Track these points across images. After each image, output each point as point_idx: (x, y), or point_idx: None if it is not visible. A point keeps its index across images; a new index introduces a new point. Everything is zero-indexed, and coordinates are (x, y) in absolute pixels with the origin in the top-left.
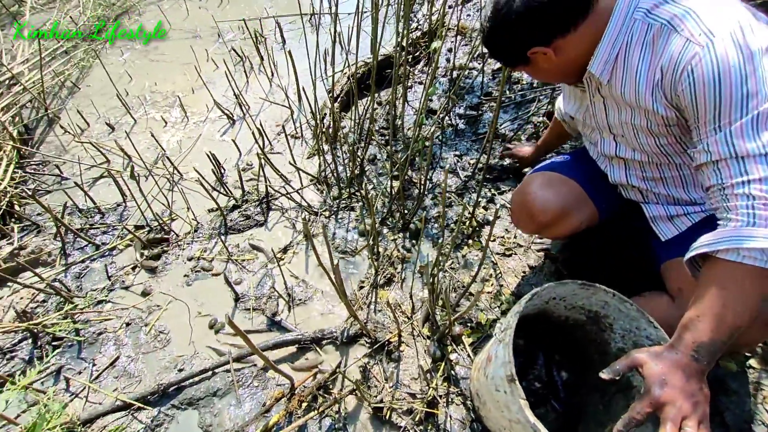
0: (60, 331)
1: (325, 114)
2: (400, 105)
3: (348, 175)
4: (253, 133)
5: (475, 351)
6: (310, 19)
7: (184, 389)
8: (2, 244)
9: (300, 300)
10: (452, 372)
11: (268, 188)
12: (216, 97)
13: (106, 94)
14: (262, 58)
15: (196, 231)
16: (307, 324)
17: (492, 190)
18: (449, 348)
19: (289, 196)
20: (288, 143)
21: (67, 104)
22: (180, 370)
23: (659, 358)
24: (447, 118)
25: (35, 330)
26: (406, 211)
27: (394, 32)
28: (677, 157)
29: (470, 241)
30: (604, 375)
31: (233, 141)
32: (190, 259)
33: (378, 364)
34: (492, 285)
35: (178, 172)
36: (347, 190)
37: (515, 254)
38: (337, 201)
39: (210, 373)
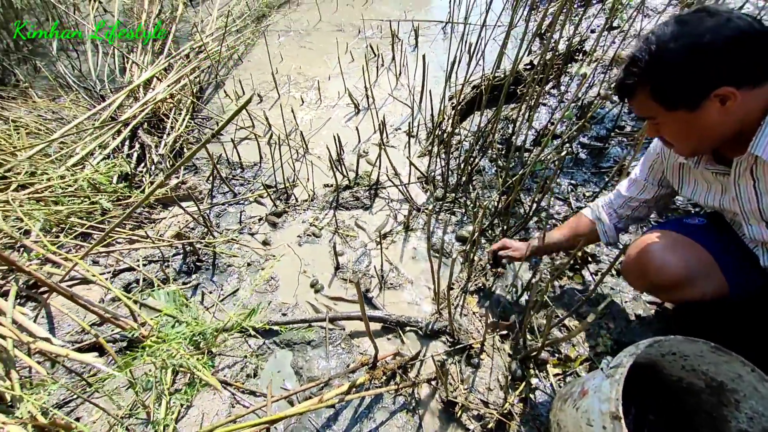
0: (203, 255)
1: (443, 119)
2: (522, 123)
3: (456, 180)
4: (378, 125)
5: (558, 381)
6: (444, 26)
7: (285, 331)
8: (172, 177)
9: (391, 284)
10: (531, 395)
11: (380, 176)
12: (348, 86)
13: (261, 69)
14: (394, 57)
15: (312, 200)
16: (395, 307)
17: None
18: (531, 371)
19: (397, 187)
20: (408, 139)
21: (232, 74)
22: (283, 314)
23: None
24: (567, 143)
25: (187, 248)
26: (507, 228)
27: (527, 49)
28: None
29: (571, 274)
30: None
31: (356, 128)
32: (303, 223)
33: (456, 364)
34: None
35: (306, 146)
36: (452, 194)
37: (623, 298)
38: (440, 202)
39: (307, 325)
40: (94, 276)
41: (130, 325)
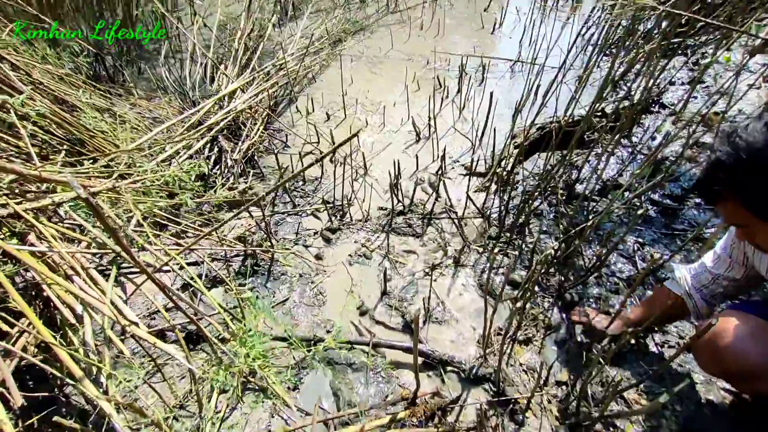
0: (260, 260)
1: (505, 157)
2: (588, 171)
3: (512, 220)
4: (438, 156)
5: None
6: (513, 65)
7: (328, 349)
8: (240, 181)
9: (436, 319)
10: None
11: (435, 206)
12: (412, 114)
13: (332, 90)
14: (459, 90)
15: (366, 221)
16: (436, 343)
17: None
18: None
19: (452, 219)
20: (468, 176)
21: (305, 91)
22: (328, 332)
23: None
24: (636, 198)
25: (248, 251)
26: (564, 279)
27: (597, 96)
28: None
29: (633, 341)
30: None
31: (416, 156)
32: (355, 243)
33: (498, 417)
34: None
35: (366, 167)
36: (507, 234)
37: (694, 378)
38: (494, 241)
39: (350, 346)
40: (192, 279)
41: (216, 326)
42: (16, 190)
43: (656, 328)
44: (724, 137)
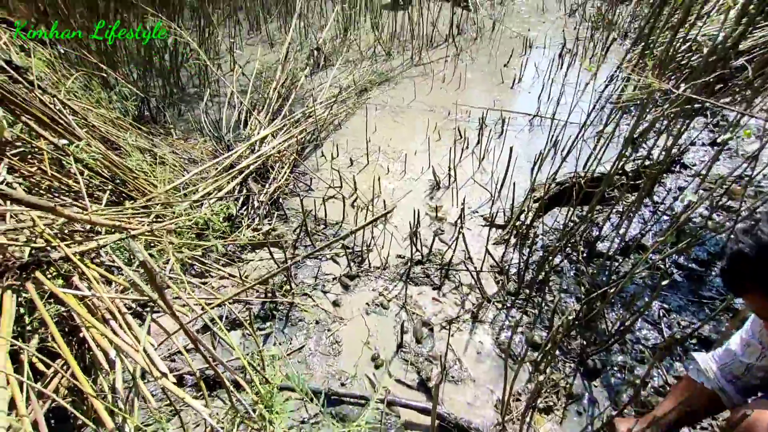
0: (280, 304)
1: (524, 211)
2: (608, 229)
3: (531, 276)
4: (458, 208)
5: None
6: (532, 119)
7: (342, 403)
8: (265, 222)
9: (452, 378)
10: None
11: (453, 257)
12: (432, 163)
13: (356, 137)
14: (479, 142)
15: (384, 269)
16: (452, 405)
17: None
18: None
19: (470, 272)
20: (489, 229)
21: (331, 137)
22: (342, 384)
23: None
24: (661, 261)
25: (268, 295)
26: (585, 342)
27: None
28: None
29: None
30: None
31: (435, 206)
32: (373, 291)
33: None
34: None
35: (385, 215)
36: (526, 290)
37: None
38: (513, 298)
39: (363, 401)
40: (213, 321)
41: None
42: (65, 230)
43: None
44: (747, 229)
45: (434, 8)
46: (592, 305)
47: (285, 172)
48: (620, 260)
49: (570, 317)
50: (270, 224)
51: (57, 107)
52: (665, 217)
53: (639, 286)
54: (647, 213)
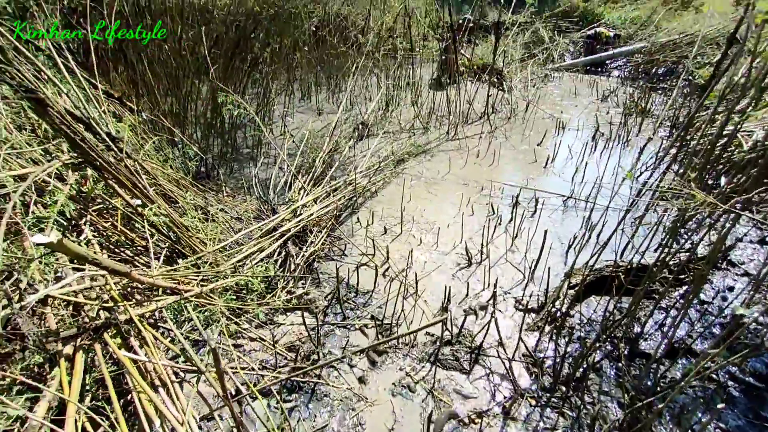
0: (306, 375)
1: (559, 297)
2: (651, 326)
3: (567, 372)
4: (490, 289)
5: None
6: (565, 200)
7: None
8: (299, 285)
9: None
10: None
11: (484, 340)
12: (465, 237)
13: (391, 206)
14: (512, 220)
15: (412, 346)
16: None
17: None
18: None
19: (501, 360)
20: (523, 316)
21: (367, 204)
22: None
23: None
24: (715, 373)
25: (295, 363)
26: None
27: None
28: None
29: None
30: None
31: (467, 282)
32: (400, 370)
33: None
34: None
35: (416, 287)
36: (562, 387)
37: None
38: (548, 394)
39: None
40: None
41: None
42: (128, 288)
43: None
44: None
45: (471, 88)
46: (636, 415)
47: (322, 237)
48: (667, 364)
49: (613, 428)
50: (303, 287)
51: (135, 168)
52: (712, 317)
53: (689, 396)
54: (694, 313)
